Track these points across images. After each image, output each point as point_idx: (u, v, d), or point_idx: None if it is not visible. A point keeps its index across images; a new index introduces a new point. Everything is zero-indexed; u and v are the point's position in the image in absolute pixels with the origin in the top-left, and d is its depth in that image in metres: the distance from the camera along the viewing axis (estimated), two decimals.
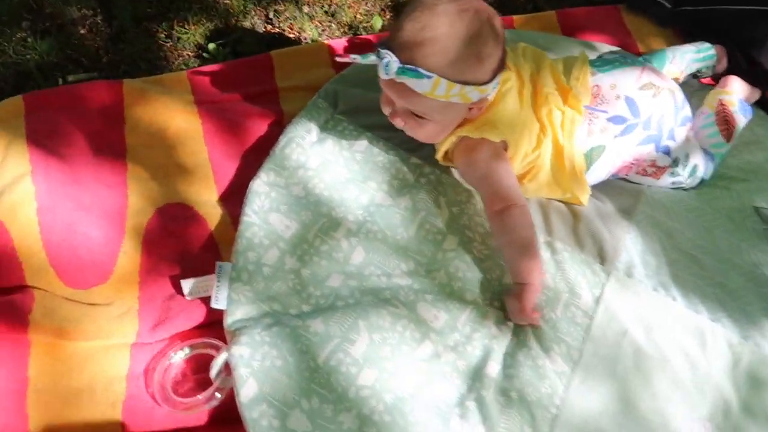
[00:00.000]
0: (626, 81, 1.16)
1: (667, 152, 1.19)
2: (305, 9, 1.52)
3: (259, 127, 1.27)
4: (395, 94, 1.04)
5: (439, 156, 1.16)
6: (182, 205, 1.15)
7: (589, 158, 1.16)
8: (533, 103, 1.14)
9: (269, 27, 1.49)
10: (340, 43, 1.41)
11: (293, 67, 1.36)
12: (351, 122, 1.27)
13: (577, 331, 1.07)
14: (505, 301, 1.07)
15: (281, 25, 1.48)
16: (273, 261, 1.07)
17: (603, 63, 1.20)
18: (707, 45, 1.38)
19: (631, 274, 1.15)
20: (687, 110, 1.20)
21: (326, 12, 1.53)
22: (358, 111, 1.28)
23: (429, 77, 0.97)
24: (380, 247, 1.12)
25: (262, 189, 1.15)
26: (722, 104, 1.28)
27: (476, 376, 1.00)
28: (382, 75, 1.01)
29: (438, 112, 1.05)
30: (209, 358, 0.99)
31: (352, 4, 1.55)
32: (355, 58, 1.03)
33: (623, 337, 1.06)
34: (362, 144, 1.24)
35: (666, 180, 1.24)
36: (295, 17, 1.50)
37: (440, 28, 0.97)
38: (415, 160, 1.23)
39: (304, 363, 0.96)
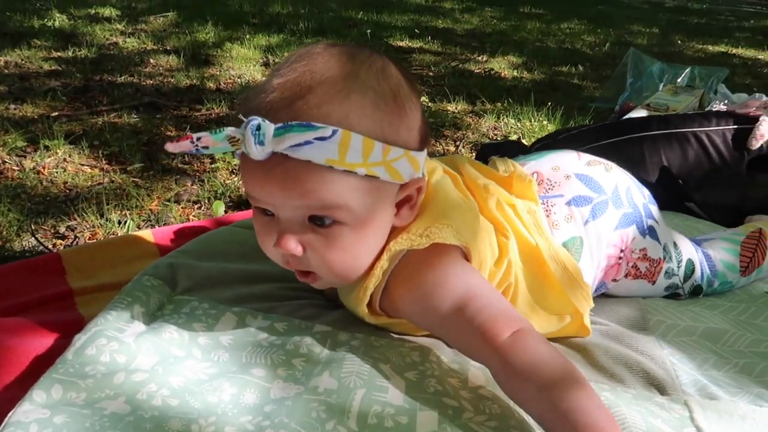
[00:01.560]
0: (567, 161, 0.90)
1: (654, 237, 0.89)
2: (114, 217, 1.11)
3: (36, 344, 0.72)
4: (281, 186, 0.61)
5: (362, 306, 0.71)
6: None
7: None
8: (473, 196, 0.80)
9: (60, 242, 1.03)
10: (167, 230, 0.99)
11: (97, 264, 0.89)
12: (204, 300, 0.78)
13: None
14: None
15: (80, 236, 1.04)
16: None
17: (528, 155, 0.94)
18: None
19: (711, 395, 0.72)
20: (646, 190, 0.95)
21: (146, 219, 1.14)
22: (214, 285, 0.82)
23: (331, 129, 0.59)
24: None
25: (31, 416, 0.56)
26: (760, 234, 0.99)
27: None
28: (254, 151, 0.59)
29: (358, 200, 0.63)
30: None
31: (183, 209, 1.18)
32: (200, 137, 0.62)
33: None
34: (229, 323, 0.75)
35: (661, 284, 0.91)
36: (101, 225, 1.08)
37: (329, 69, 0.63)
38: (322, 327, 0.76)
39: None
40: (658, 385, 0.72)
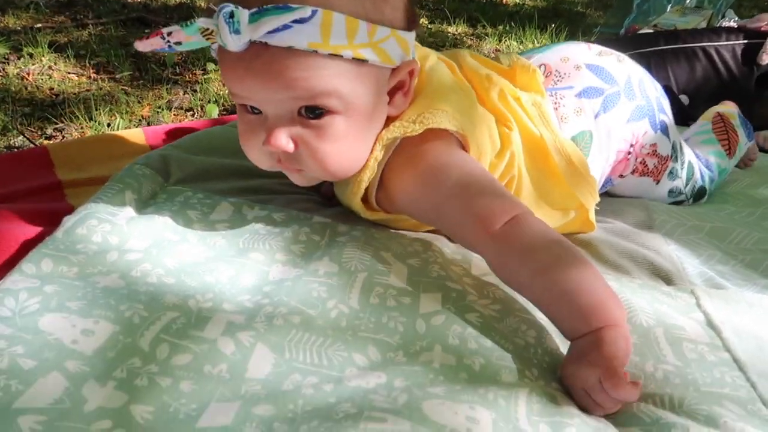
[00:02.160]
0: (577, 51, 0.86)
1: (665, 133, 0.86)
2: (103, 120, 1.07)
3: (24, 230, 0.69)
4: (263, 78, 0.57)
5: (357, 200, 0.68)
6: None
7: None
8: (473, 87, 0.76)
9: (48, 142, 0.99)
10: (159, 129, 0.95)
11: (86, 158, 0.86)
12: (198, 190, 0.75)
13: (727, 373, 0.55)
14: (570, 379, 0.53)
15: (69, 136, 1.00)
16: (52, 399, 0.43)
17: (533, 49, 0.90)
18: None
19: (718, 285, 0.71)
20: (658, 84, 0.91)
21: (137, 124, 1.10)
22: (208, 177, 0.79)
23: (310, 10, 0.54)
24: (303, 336, 0.54)
25: (21, 284, 0.54)
26: (720, 115, 1.04)
27: None
28: (230, 42, 0.55)
29: (347, 86, 0.59)
30: None
31: (175, 115, 1.14)
32: (171, 31, 0.57)
33: None
34: (225, 212, 0.72)
35: (665, 185, 0.89)
36: (90, 126, 1.04)
37: None
38: (320, 218, 0.73)
39: None
40: (664, 276, 0.71)
